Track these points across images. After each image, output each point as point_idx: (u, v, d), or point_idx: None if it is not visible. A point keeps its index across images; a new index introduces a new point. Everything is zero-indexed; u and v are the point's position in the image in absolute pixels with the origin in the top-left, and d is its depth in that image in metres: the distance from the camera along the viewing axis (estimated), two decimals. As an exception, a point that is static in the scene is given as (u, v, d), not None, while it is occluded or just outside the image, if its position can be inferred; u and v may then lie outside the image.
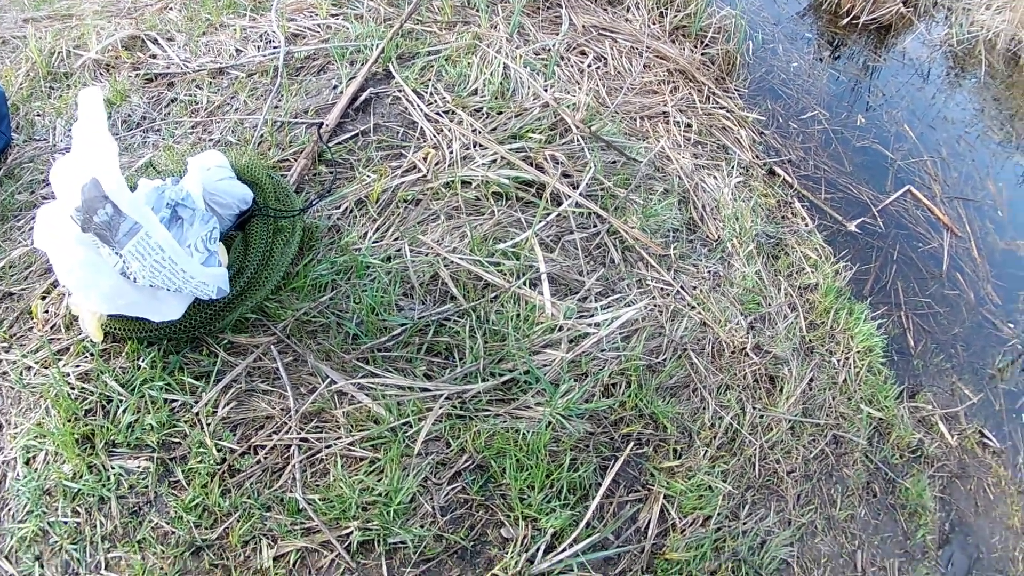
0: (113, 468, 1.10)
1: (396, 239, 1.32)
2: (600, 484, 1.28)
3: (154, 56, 1.72)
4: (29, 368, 1.20)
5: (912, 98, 3.09)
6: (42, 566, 1.06)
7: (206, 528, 1.07)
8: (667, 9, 2.27)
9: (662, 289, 1.52)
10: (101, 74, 1.70)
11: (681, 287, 1.55)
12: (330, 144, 1.45)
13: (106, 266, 1.05)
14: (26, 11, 1.97)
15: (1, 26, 1.94)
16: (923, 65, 3.34)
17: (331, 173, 1.41)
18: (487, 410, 1.22)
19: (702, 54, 2.24)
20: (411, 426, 1.16)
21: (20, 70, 1.73)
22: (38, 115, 1.64)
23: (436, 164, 1.43)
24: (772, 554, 1.44)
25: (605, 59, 1.88)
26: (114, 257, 1.03)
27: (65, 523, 1.07)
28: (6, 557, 1.07)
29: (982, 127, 3.06)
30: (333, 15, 1.77)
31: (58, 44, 1.78)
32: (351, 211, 1.36)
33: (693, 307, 1.55)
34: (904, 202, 2.53)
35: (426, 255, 1.31)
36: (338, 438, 1.13)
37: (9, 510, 1.10)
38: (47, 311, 1.26)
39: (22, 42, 1.82)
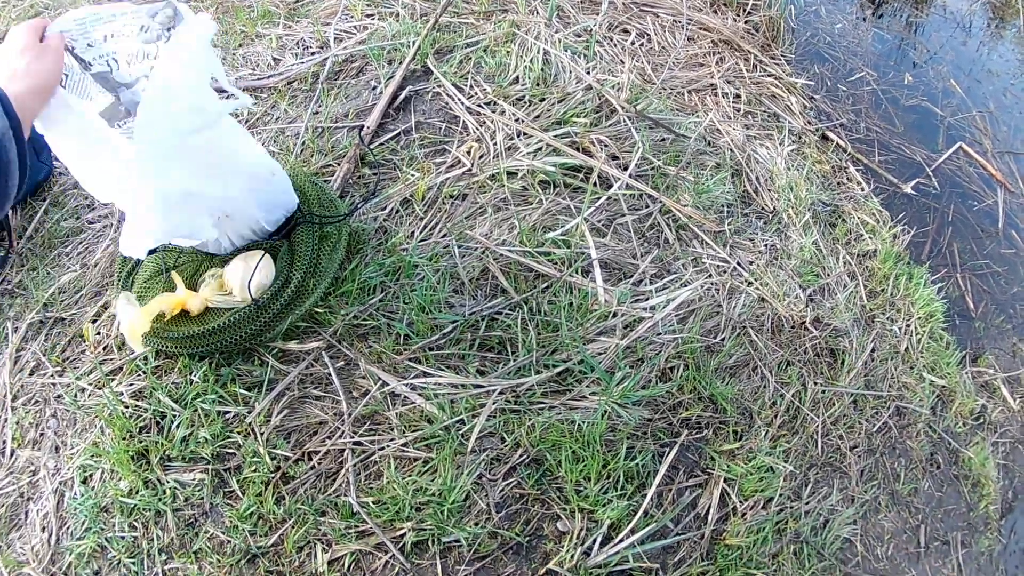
0: (168, 482, 1.04)
1: (444, 236, 1.21)
2: (658, 471, 1.15)
3: None
4: (83, 390, 1.15)
5: (956, 52, 2.78)
6: None
7: (261, 536, 1.01)
8: (708, -22, 2.05)
9: (718, 266, 1.36)
10: None
11: (738, 263, 1.39)
12: (372, 146, 1.34)
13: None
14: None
15: None
16: (964, 18, 3.01)
17: (375, 175, 1.30)
18: (541, 402, 1.11)
19: (745, 22, 2.02)
20: (464, 423, 1.06)
21: None
22: None
23: (480, 157, 1.30)
24: (835, 533, 1.30)
25: (648, 35, 1.70)
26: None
27: (122, 538, 1.03)
28: (64, 573, 1.03)
29: (1025, 77, 2.73)
30: (368, 15, 1.65)
31: None
32: (397, 211, 1.25)
33: (750, 283, 1.39)
34: (956, 160, 2.26)
35: (475, 249, 1.19)
36: (391, 440, 1.04)
37: (67, 528, 1.06)
38: (98, 333, 1.21)
39: None
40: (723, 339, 1.32)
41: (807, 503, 1.29)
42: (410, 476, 1.02)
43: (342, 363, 1.11)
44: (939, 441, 1.64)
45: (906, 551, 1.45)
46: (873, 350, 1.59)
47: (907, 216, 1.96)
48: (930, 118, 2.41)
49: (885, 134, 2.20)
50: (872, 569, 1.35)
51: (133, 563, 1.01)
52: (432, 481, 1.02)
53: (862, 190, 1.90)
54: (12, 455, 1.15)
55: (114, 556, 1.02)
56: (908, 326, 1.72)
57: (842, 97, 2.20)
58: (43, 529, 1.07)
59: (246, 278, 1.08)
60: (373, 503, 1.01)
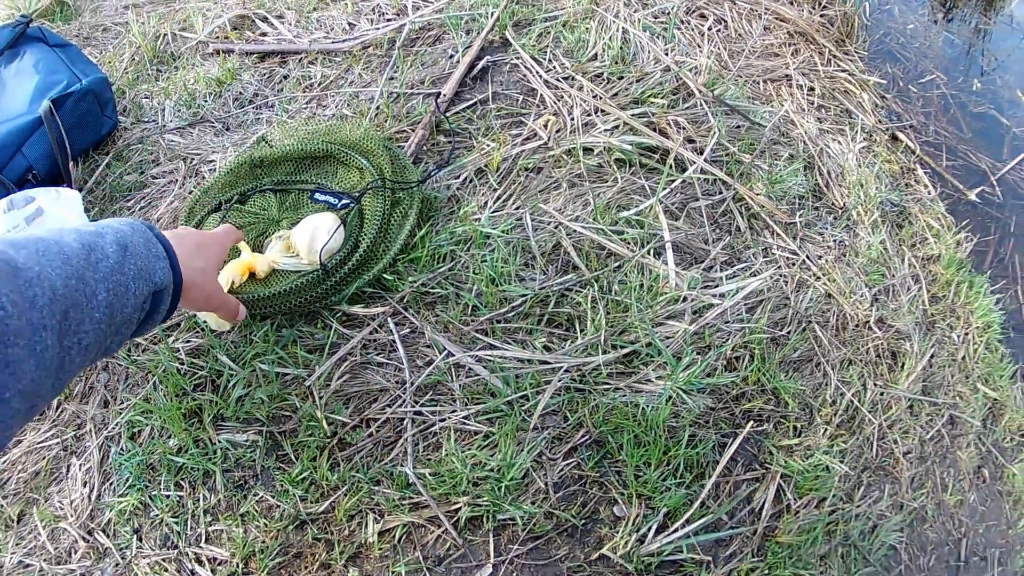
0: (220, 442, 0.96)
1: (517, 208, 1.10)
2: (718, 462, 1.04)
3: (264, 34, 1.53)
4: (138, 345, 1.07)
5: (1022, 63, 2.55)
6: (140, 539, 0.94)
7: (312, 502, 0.92)
8: (784, -29, 1.88)
9: (788, 258, 1.23)
10: (210, 55, 1.52)
11: (807, 256, 1.25)
12: (448, 114, 1.23)
13: None
14: None
15: (101, 14, 1.78)
16: (1029, 30, 2.75)
17: (449, 143, 1.20)
18: (607, 383, 1.00)
19: (821, 15, 1.84)
20: (528, 399, 0.96)
21: (124, 55, 1.57)
22: (145, 98, 1.48)
23: (557, 131, 1.18)
24: (882, 539, 1.17)
25: (725, 22, 1.55)
26: None
27: (167, 496, 0.95)
28: (103, 530, 0.95)
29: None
30: (446, -16, 1.52)
31: (163, 28, 1.61)
32: (471, 181, 1.15)
33: (818, 277, 1.26)
34: (1021, 171, 2.06)
35: (548, 224, 1.08)
36: (453, 411, 0.94)
37: (110, 484, 0.98)
38: None
39: (124, 28, 1.66)
40: (788, 332, 1.19)
41: (858, 506, 1.17)
42: (469, 450, 0.93)
43: (407, 330, 1.01)
44: (987, 455, 1.49)
45: (947, 563, 1.32)
46: (932, 356, 1.44)
47: (970, 223, 1.78)
48: (996, 127, 2.20)
49: (952, 139, 2.01)
50: (914, 579, 1.23)
51: (176, 522, 0.94)
52: (492, 456, 0.93)
53: (929, 193, 1.73)
54: (58, 408, 1.08)
55: (157, 515, 0.95)
56: (966, 334, 1.57)
57: (912, 98, 2.01)
58: (84, 484, 1.00)
59: (315, 241, 0.99)
60: (430, 475, 0.92)
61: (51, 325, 0.50)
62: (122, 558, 0.94)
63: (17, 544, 0.99)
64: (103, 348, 0.60)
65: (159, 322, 0.70)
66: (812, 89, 1.57)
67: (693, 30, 1.48)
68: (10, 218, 1.04)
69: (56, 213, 1.10)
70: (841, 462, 1.16)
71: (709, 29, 1.50)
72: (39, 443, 1.06)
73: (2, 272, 0.48)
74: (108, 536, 0.96)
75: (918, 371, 1.37)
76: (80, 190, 1.31)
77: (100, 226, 0.63)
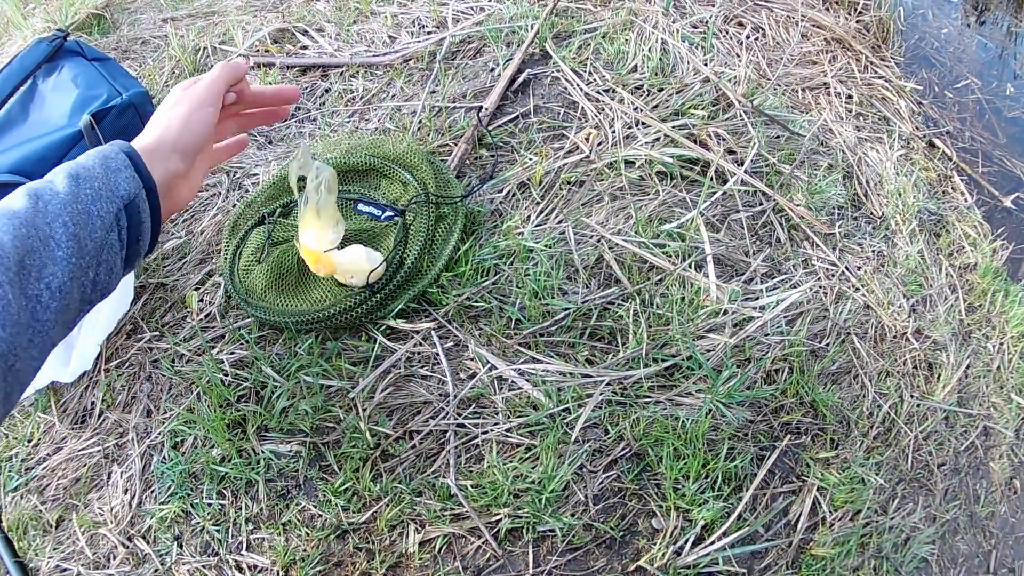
0: (263, 452, 0.96)
1: (560, 222, 1.09)
2: (755, 475, 1.03)
3: (305, 48, 1.52)
4: (181, 356, 1.07)
5: (1055, 67, 2.47)
6: (181, 546, 0.95)
7: (354, 512, 0.92)
8: (819, -25, 1.84)
9: (827, 270, 1.21)
10: (250, 68, 1.51)
11: (846, 267, 1.23)
12: (490, 127, 1.22)
13: None
14: (164, 11, 1.79)
15: (139, 27, 1.77)
16: (1061, 32, 2.65)
17: (492, 157, 1.19)
18: (647, 396, 0.99)
19: (857, 21, 1.80)
20: (570, 412, 0.96)
21: (164, 68, 1.57)
22: None
23: (599, 144, 1.17)
24: (914, 551, 1.15)
25: (762, 30, 1.52)
26: None
27: (209, 505, 0.96)
28: (143, 536, 0.96)
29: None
30: (485, -4, 1.50)
31: (202, 41, 1.60)
32: (513, 194, 1.14)
33: (857, 289, 1.23)
34: (1055, 176, 2.01)
35: (590, 237, 1.07)
36: (495, 424, 0.95)
37: (151, 492, 0.99)
38: (201, 300, 1.12)
39: (163, 41, 1.65)
40: (827, 344, 1.17)
41: (892, 518, 1.15)
42: (511, 462, 0.93)
43: (451, 344, 1.02)
44: (1019, 465, 1.45)
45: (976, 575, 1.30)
46: (968, 367, 1.41)
47: (1006, 231, 1.74)
48: (1031, 132, 2.15)
49: (988, 144, 1.96)
50: (945, 592, 1.21)
51: (218, 530, 0.94)
52: (533, 469, 0.93)
53: (965, 201, 1.69)
54: (100, 416, 1.09)
55: (198, 522, 0.95)
56: (1002, 344, 1.53)
57: (948, 104, 1.96)
58: (125, 491, 1.01)
59: (367, 270, 0.97)
60: (472, 487, 0.92)
61: (6, 280, 0.50)
62: (161, 564, 0.95)
63: (55, 549, 1.00)
64: (89, 282, 0.59)
65: (149, 232, 0.66)
66: (850, 97, 1.54)
67: (731, 39, 1.45)
68: None
69: None
70: (876, 474, 1.14)
71: (747, 38, 1.47)
72: (80, 450, 1.08)
73: None
74: (148, 542, 0.97)
75: (954, 382, 1.35)
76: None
77: (55, 169, 0.62)
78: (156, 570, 0.96)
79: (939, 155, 1.72)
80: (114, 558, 0.98)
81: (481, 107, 1.20)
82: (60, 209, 0.57)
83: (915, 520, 1.19)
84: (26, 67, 1.37)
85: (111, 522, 1.00)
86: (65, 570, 0.99)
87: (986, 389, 1.44)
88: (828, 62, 1.57)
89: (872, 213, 1.36)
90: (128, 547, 0.98)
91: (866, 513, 1.11)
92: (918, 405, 1.27)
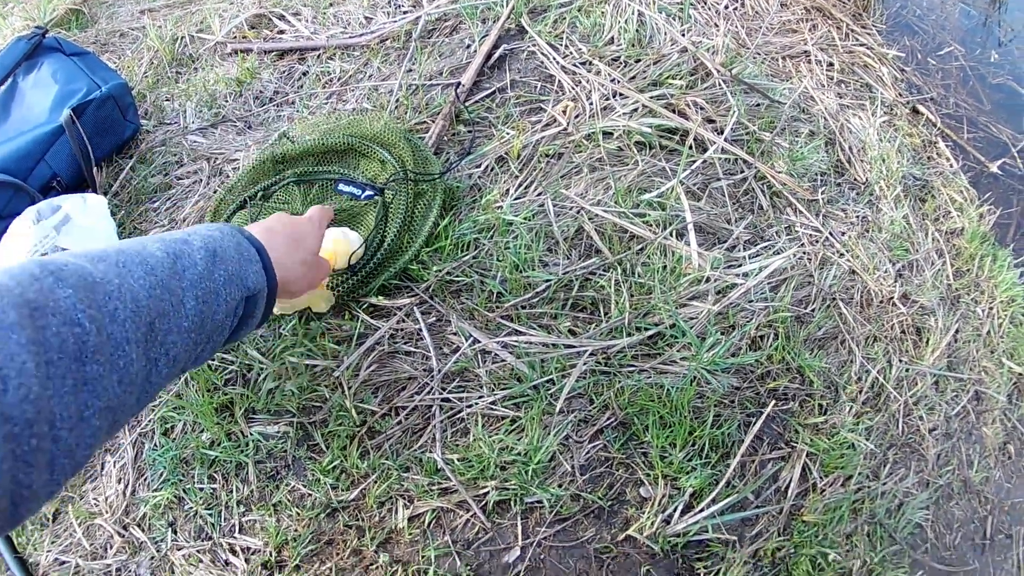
0: (252, 435, 0.96)
1: (539, 194, 1.08)
2: (743, 441, 1.02)
3: (282, 32, 1.50)
4: None
5: (1039, 34, 2.45)
6: (175, 532, 0.94)
7: (343, 490, 0.92)
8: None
9: (811, 236, 1.20)
10: (228, 55, 1.49)
11: (830, 233, 1.22)
12: (467, 103, 1.21)
13: None
14: (141, 3, 1.77)
15: (117, 20, 1.75)
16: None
17: (470, 132, 1.18)
18: (631, 365, 0.99)
19: (837, -10, 1.78)
20: (554, 383, 0.95)
21: (143, 59, 1.55)
22: (166, 100, 1.46)
23: (576, 116, 1.16)
24: (908, 517, 1.15)
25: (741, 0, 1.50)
26: None
27: (201, 489, 0.95)
28: (138, 524, 0.96)
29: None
30: (461, -26, 1.48)
31: (180, 31, 1.59)
32: (492, 169, 1.13)
33: (842, 254, 1.23)
34: (1042, 141, 1.99)
35: (570, 209, 1.06)
36: (480, 397, 0.94)
37: (144, 479, 0.98)
38: None
39: (141, 33, 1.64)
40: (813, 310, 1.16)
41: (884, 484, 1.15)
42: (497, 435, 0.92)
43: (433, 319, 1.01)
44: (1013, 430, 1.45)
45: (972, 542, 1.29)
46: (957, 331, 1.40)
47: (993, 196, 1.72)
48: (1016, 98, 2.12)
49: (973, 111, 1.95)
50: (940, 557, 1.20)
51: (210, 514, 0.94)
52: (519, 441, 0.92)
53: (951, 166, 1.68)
54: None
55: (191, 507, 0.95)
56: (991, 309, 1.52)
57: (931, 71, 1.94)
58: (119, 480, 1.00)
59: (347, 252, 0.97)
60: (458, 460, 0.91)
61: (134, 338, 0.47)
62: (157, 551, 0.95)
63: (53, 542, 0.99)
64: (193, 357, 0.57)
65: (255, 326, 0.67)
66: (831, 64, 1.53)
67: (709, 9, 1.44)
68: (40, 229, 1.04)
69: (83, 219, 1.10)
70: (867, 440, 1.14)
71: (725, 8, 1.46)
72: (73, 443, 1.07)
73: (79, 287, 0.45)
74: (143, 530, 0.96)
75: (943, 347, 1.34)
76: (105, 194, 1.31)
77: (187, 232, 0.60)
78: (152, 557, 0.95)
79: (923, 121, 1.71)
80: (111, 548, 0.98)
81: (458, 83, 1.19)
82: (196, 280, 0.55)
83: (908, 485, 1.18)
84: (6, 66, 1.36)
85: (106, 512, 0.99)
86: (64, 562, 0.99)
87: (976, 354, 1.43)
88: (808, 30, 1.55)
89: (855, 179, 1.35)
90: (124, 536, 0.97)
91: (857, 479, 1.10)
92: (907, 370, 1.26)
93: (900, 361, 1.26)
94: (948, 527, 1.26)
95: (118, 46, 1.68)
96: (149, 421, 1.02)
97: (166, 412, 1.01)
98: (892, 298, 1.29)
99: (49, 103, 1.32)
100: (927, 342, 1.33)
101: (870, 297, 1.26)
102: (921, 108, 1.72)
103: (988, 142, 1.91)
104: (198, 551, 0.94)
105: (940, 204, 1.55)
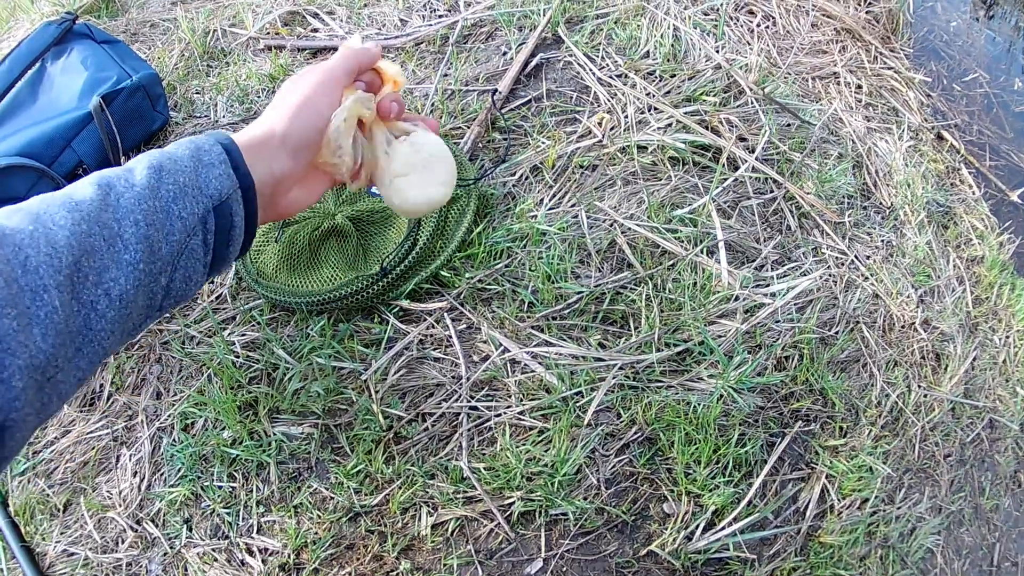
0: (275, 435, 0.95)
1: (572, 206, 1.08)
2: (766, 461, 1.02)
3: (315, 30, 1.50)
4: (192, 338, 1.05)
5: (1062, 62, 2.45)
6: (190, 529, 0.93)
7: (366, 494, 0.91)
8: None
9: (837, 258, 1.20)
10: (260, 51, 1.49)
11: (855, 256, 1.22)
12: (503, 111, 1.21)
13: None
14: None
15: (148, 10, 1.75)
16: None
17: (505, 140, 1.17)
18: (659, 381, 0.99)
19: (866, 12, 1.79)
20: (583, 396, 0.95)
21: (174, 51, 1.55)
22: (197, 93, 1.46)
23: (611, 129, 1.16)
24: (920, 542, 1.15)
25: (773, 18, 1.51)
26: None
27: (220, 487, 0.94)
28: (152, 520, 0.95)
29: None
30: (497, -20, 1.48)
31: (212, 24, 1.58)
32: (526, 178, 1.13)
33: (866, 278, 1.23)
34: (1061, 172, 2.00)
35: (603, 221, 1.06)
36: (508, 407, 0.93)
37: (161, 474, 0.97)
38: (212, 281, 1.10)
39: (173, 24, 1.63)
40: (837, 332, 1.16)
41: (899, 508, 1.15)
42: (524, 445, 0.92)
43: (464, 326, 1.00)
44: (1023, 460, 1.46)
45: (980, 568, 1.30)
46: (975, 359, 1.41)
47: (1013, 224, 1.73)
48: (1037, 126, 2.14)
49: (995, 138, 1.95)
50: (949, 583, 1.21)
51: (228, 513, 0.93)
52: (546, 452, 0.92)
53: (973, 194, 1.68)
54: (109, 399, 1.07)
55: (208, 505, 0.94)
56: (1007, 337, 1.52)
57: (956, 97, 1.95)
58: (135, 474, 0.99)
59: (410, 199, 0.68)
60: (484, 469, 0.91)
61: (54, 283, 0.42)
62: (171, 547, 0.94)
63: (62, 533, 0.99)
64: (160, 288, 0.50)
65: (241, 239, 0.56)
66: (859, 87, 1.53)
67: (742, 27, 1.44)
68: None
69: None
70: (884, 463, 1.14)
71: (758, 26, 1.46)
72: (88, 433, 1.06)
73: None
74: (157, 526, 0.95)
75: (960, 374, 1.34)
76: (134, 186, 1.31)
77: (139, 156, 0.53)
78: (165, 554, 0.95)
79: (947, 147, 1.71)
80: (122, 542, 0.97)
81: (495, 90, 1.19)
82: (133, 205, 0.48)
83: (921, 510, 1.18)
84: (34, 50, 1.35)
85: (120, 505, 0.98)
86: (73, 554, 0.98)
87: (992, 382, 1.43)
88: (838, 52, 1.55)
89: (881, 203, 1.35)
90: (137, 531, 0.96)
91: (873, 502, 1.10)
92: (925, 395, 1.27)
93: (919, 387, 1.26)
94: (957, 553, 1.26)
95: (149, 36, 1.67)
96: (169, 416, 1.01)
97: (187, 407, 1.00)
98: (914, 323, 1.29)
99: (78, 89, 1.31)
100: (945, 368, 1.33)
101: (892, 322, 1.26)
102: (945, 134, 1.73)
103: (1009, 170, 1.91)
104: (213, 550, 0.93)
105: (962, 231, 1.55)
